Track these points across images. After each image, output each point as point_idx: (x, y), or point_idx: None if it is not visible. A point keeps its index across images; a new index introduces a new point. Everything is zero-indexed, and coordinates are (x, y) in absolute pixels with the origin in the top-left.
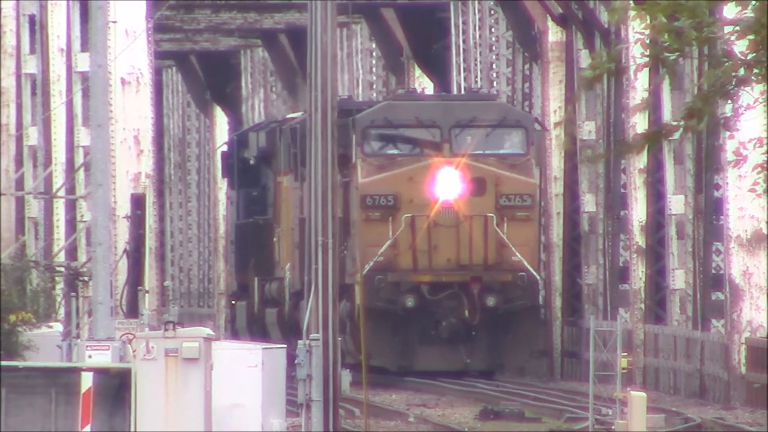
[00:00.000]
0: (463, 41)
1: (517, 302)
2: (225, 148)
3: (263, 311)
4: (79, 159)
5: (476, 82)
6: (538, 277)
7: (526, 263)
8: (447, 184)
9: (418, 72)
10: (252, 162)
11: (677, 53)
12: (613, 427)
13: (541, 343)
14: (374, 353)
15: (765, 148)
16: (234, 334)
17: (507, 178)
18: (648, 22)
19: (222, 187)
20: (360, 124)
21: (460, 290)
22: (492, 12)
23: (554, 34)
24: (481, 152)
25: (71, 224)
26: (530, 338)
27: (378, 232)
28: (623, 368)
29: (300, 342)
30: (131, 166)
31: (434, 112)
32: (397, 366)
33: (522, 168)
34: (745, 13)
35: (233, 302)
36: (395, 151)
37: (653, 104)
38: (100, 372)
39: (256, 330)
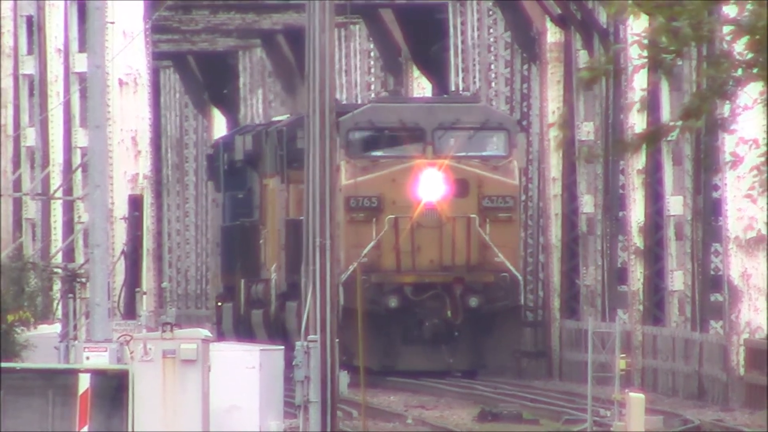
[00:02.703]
0: (462, 42)
1: (499, 303)
2: (211, 151)
3: (249, 312)
4: (77, 160)
5: (474, 83)
6: (519, 278)
7: (508, 264)
8: (430, 185)
9: (416, 73)
10: (238, 165)
11: (674, 53)
12: (611, 428)
13: (523, 343)
14: (358, 353)
15: (762, 149)
16: (220, 335)
17: (489, 180)
18: (644, 18)
19: None
20: (344, 126)
21: (443, 291)
22: (490, 13)
23: (553, 34)
24: (463, 154)
25: (69, 225)
26: (512, 338)
27: (362, 234)
28: (621, 370)
29: (298, 343)
30: (129, 167)
31: (417, 114)
32: (380, 366)
33: (504, 170)
34: (744, 15)
35: (219, 304)
36: (379, 153)
37: (652, 105)
38: (98, 373)
39: (242, 331)
